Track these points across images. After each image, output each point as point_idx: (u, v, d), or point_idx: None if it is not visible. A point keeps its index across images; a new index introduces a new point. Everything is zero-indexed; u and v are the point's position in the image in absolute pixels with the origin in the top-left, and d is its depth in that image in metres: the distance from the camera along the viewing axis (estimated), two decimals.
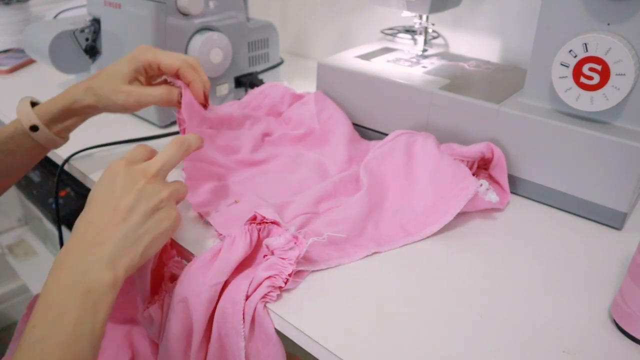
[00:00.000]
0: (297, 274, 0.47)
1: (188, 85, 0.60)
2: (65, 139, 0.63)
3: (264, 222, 0.50)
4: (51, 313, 0.39)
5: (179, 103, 0.60)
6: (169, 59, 0.59)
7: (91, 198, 0.47)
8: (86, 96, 0.58)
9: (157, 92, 0.59)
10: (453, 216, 0.54)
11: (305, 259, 0.47)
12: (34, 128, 0.59)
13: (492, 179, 0.61)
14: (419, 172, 0.59)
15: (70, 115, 0.60)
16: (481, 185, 0.54)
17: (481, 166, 0.62)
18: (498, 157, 0.60)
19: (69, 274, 0.41)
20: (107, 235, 0.43)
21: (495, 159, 0.60)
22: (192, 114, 0.61)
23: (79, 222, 0.45)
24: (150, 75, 0.62)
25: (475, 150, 0.60)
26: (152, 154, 0.51)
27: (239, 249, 0.47)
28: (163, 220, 0.47)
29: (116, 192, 0.46)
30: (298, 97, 0.76)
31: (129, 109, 0.60)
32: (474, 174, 0.61)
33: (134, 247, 0.44)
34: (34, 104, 0.61)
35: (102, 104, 0.59)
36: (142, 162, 0.49)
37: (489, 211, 0.59)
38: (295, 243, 0.46)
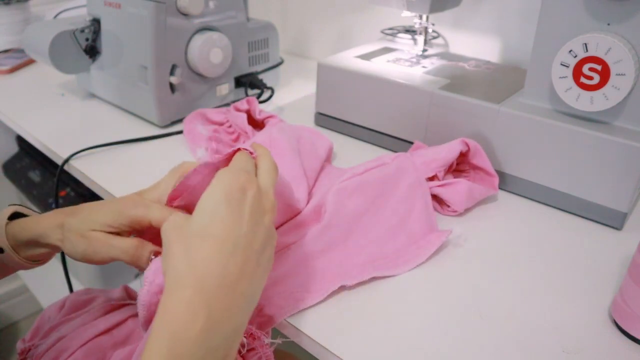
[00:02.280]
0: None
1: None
2: (39, 262, 0.53)
3: None
4: None
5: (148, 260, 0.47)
6: (161, 215, 0.45)
7: (207, 216, 0.35)
8: (54, 233, 0.48)
9: (123, 244, 0.45)
10: (423, 260, 0.51)
11: (265, 323, 0.44)
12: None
13: (475, 167, 0.61)
14: (390, 213, 0.54)
15: (39, 246, 0.50)
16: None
17: (460, 161, 0.61)
18: (474, 147, 0.59)
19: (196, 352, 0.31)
20: (245, 291, 0.35)
21: (472, 150, 0.59)
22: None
23: (192, 257, 0.33)
24: (139, 230, 0.48)
25: (452, 152, 0.58)
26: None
27: None
28: (268, 270, 0.39)
29: (244, 226, 0.35)
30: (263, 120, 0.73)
31: (90, 260, 0.46)
32: (454, 171, 0.61)
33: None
34: (18, 215, 0.52)
35: (66, 248, 0.47)
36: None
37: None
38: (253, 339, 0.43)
